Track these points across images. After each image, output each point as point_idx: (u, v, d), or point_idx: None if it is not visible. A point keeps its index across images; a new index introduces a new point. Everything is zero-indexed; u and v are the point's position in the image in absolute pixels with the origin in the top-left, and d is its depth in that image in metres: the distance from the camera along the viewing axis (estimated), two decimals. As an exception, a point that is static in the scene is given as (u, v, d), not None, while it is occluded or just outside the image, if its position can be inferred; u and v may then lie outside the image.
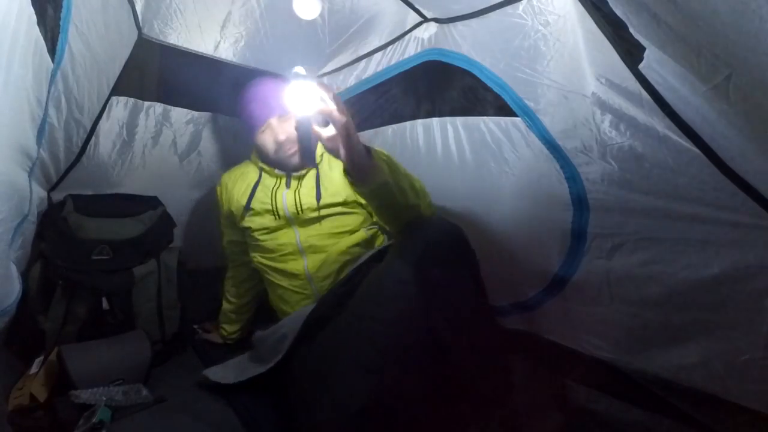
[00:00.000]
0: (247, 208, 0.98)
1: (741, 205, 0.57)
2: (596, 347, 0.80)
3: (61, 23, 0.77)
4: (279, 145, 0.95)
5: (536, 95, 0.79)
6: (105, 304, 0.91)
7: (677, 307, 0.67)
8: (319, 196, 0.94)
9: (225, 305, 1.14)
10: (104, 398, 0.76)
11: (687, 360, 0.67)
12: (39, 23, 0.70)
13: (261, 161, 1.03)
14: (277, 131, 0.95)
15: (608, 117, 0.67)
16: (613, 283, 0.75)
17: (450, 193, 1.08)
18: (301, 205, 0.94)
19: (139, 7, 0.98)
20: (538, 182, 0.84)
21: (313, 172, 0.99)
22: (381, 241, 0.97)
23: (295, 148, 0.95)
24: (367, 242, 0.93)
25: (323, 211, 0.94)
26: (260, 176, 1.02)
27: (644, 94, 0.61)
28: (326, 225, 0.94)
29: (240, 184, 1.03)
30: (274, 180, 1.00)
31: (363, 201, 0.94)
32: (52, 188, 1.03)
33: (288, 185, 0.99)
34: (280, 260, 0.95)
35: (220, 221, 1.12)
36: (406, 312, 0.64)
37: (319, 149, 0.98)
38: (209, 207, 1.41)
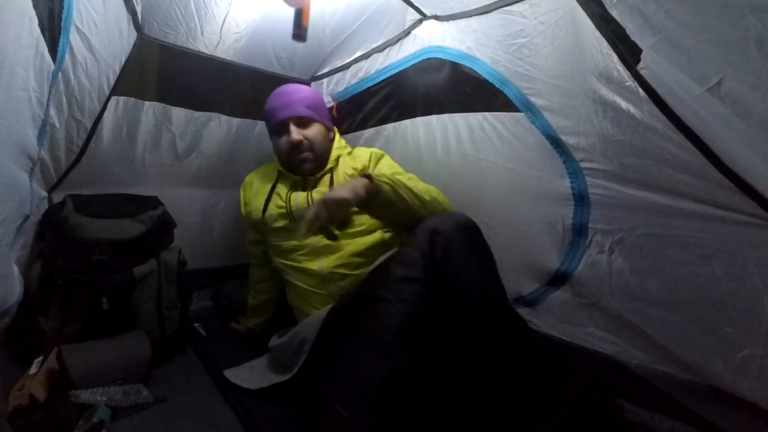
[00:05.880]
0: (264, 211, 1.00)
1: (740, 203, 0.57)
2: (599, 341, 0.80)
3: (62, 24, 0.78)
4: (292, 147, 0.97)
5: (538, 91, 0.80)
6: (105, 304, 0.91)
7: (677, 303, 0.67)
8: None
9: (250, 301, 1.16)
10: (104, 398, 0.76)
11: (687, 355, 0.67)
12: (40, 24, 0.70)
13: (280, 164, 1.05)
14: (293, 133, 0.97)
15: (609, 115, 0.68)
16: (614, 279, 0.75)
17: (450, 188, 1.08)
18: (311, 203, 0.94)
19: (139, 7, 0.99)
20: (539, 177, 0.85)
21: (327, 177, 1.00)
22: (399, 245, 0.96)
23: (307, 153, 0.98)
24: (386, 245, 0.92)
25: None
26: (277, 179, 1.03)
27: (642, 94, 0.61)
28: (341, 224, 0.93)
29: (260, 186, 1.05)
30: (289, 183, 1.02)
31: None
32: (52, 188, 1.03)
33: (303, 188, 1.00)
34: (297, 260, 0.95)
35: (245, 222, 1.12)
36: (414, 293, 0.65)
37: (334, 154, 1.02)
38: (209, 207, 1.42)
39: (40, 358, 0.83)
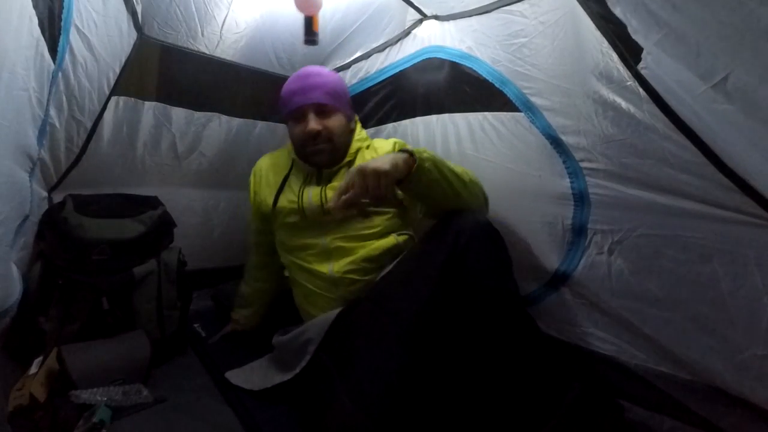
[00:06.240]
0: (274, 204, 0.94)
1: (740, 203, 0.57)
2: (599, 341, 0.80)
3: (62, 24, 0.78)
4: (309, 136, 0.90)
5: (538, 91, 0.80)
6: (105, 304, 0.91)
7: (677, 303, 0.67)
8: None
9: (243, 288, 1.10)
10: (104, 398, 0.75)
11: (687, 355, 0.67)
12: (40, 24, 0.71)
13: (294, 152, 0.98)
14: (311, 122, 0.89)
15: (610, 114, 0.68)
16: (614, 279, 0.75)
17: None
18: (326, 204, 0.88)
19: (139, 8, 0.99)
20: (539, 177, 0.85)
21: (344, 171, 0.93)
22: None
23: (324, 144, 0.90)
24: (400, 249, 0.87)
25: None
26: (291, 169, 0.97)
27: (643, 93, 0.61)
28: (354, 225, 0.88)
29: (271, 175, 0.99)
30: (303, 175, 0.95)
31: (396, 199, 0.90)
32: (52, 188, 1.03)
33: (317, 182, 0.93)
34: (306, 260, 0.91)
35: (251, 210, 1.06)
36: (423, 292, 0.65)
37: (354, 146, 0.96)
38: (209, 207, 1.42)
39: (40, 358, 0.83)
